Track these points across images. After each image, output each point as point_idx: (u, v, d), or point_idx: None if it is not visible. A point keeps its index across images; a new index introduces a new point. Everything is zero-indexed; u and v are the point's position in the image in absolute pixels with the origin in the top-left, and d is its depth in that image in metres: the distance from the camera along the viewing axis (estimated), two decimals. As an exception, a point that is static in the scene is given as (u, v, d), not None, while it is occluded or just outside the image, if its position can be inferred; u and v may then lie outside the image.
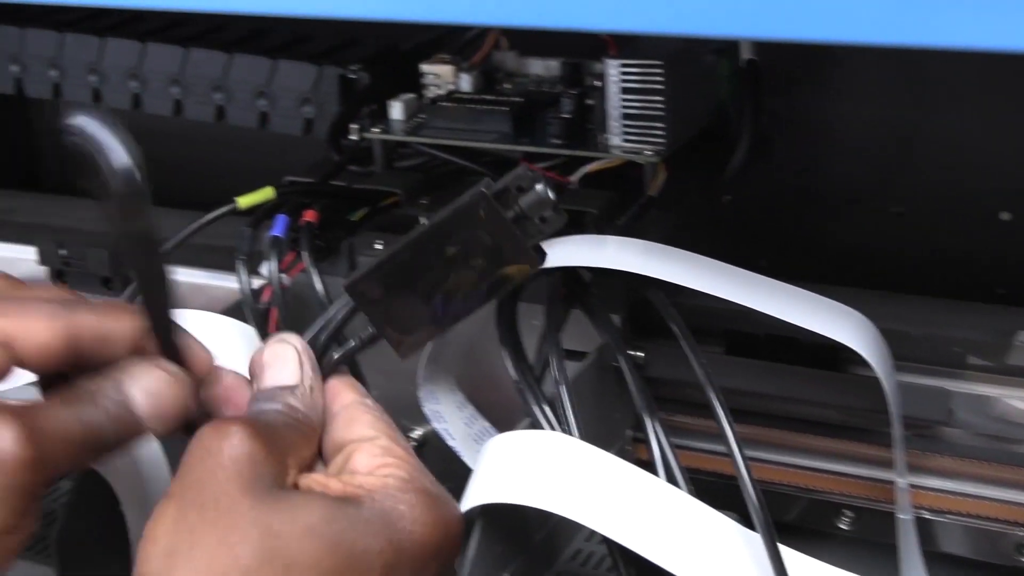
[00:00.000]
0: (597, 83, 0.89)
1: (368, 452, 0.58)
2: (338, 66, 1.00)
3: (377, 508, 0.55)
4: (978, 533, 0.78)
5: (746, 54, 0.92)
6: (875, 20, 0.51)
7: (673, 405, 0.82)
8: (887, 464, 0.75)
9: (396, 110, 0.94)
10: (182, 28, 1.08)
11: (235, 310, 0.80)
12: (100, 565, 0.73)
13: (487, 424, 0.73)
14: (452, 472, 0.69)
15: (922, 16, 0.50)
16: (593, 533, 0.62)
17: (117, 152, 0.54)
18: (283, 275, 0.81)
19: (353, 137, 0.96)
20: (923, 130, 0.98)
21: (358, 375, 0.77)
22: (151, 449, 0.68)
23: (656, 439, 0.65)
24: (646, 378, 0.78)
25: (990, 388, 0.80)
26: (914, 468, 0.77)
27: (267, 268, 0.81)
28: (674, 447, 0.65)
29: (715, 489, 0.68)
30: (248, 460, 0.54)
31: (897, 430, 0.72)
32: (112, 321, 0.59)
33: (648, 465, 0.64)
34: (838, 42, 0.53)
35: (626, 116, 0.86)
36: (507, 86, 0.97)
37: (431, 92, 0.96)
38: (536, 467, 0.62)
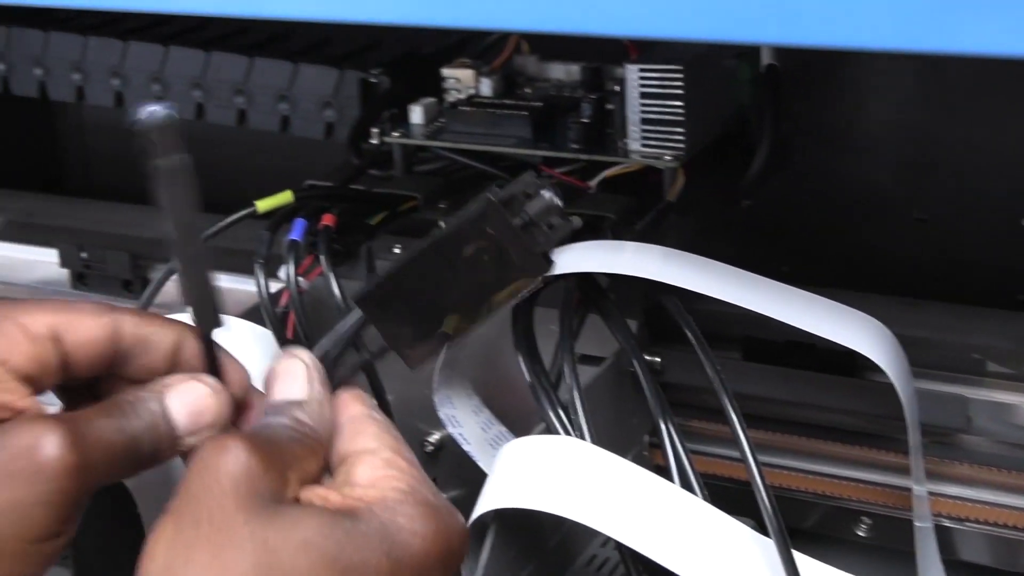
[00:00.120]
0: (617, 88, 0.89)
1: (370, 464, 0.58)
2: (359, 70, 1.00)
3: (376, 521, 0.55)
4: (997, 541, 0.77)
5: (767, 59, 0.92)
6: (896, 26, 0.51)
7: (690, 410, 0.82)
8: (905, 471, 0.75)
9: (416, 114, 0.94)
10: (203, 31, 1.08)
11: (253, 313, 0.80)
12: (117, 572, 0.73)
13: (503, 429, 0.73)
14: (468, 477, 0.69)
15: (944, 22, 0.50)
16: (608, 538, 0.62)
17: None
18: (301, 279, 0.81)
19: (373, 141, 0.96)
20: (944, 136, 0.98)
21: (374, 381, 0.77)
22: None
23: (671, 444, 0.65)
24: (663, 383, 0.78)
25: (1010, 395, 0.80)
26: (933, 475, 0.77)
27: (284, 272, 0.81)
28: (689, 452, 0.65)
29: (734, 495, 0.68)
30: (245, 475, 0.54)
31: (914, 437, 0.72)
32: (154, 327, 0.60)
33: (664, 470, 0.64)
34: (859, 48, 0.53)
35: (645, 121, 0.86)
36: (527, 90, 0.97)
37: (452, 96, 0.96)
38: (549, 472, 0.62)
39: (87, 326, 0.59)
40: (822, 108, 1.00)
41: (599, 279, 0.72)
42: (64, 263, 1.06)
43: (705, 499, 0.63)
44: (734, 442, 0.64)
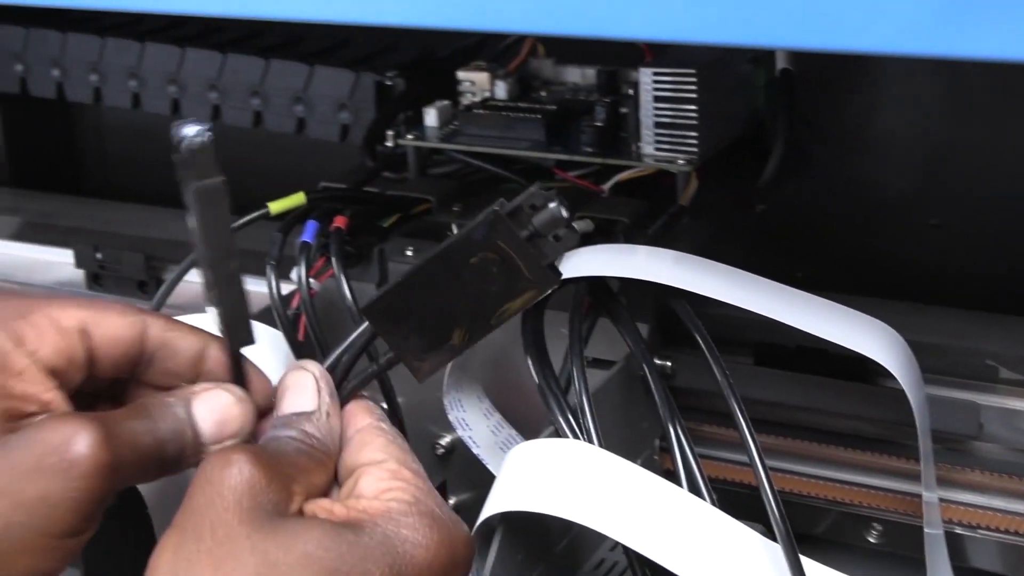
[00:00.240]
0: (631, 92, 0.89)
1: (375, 476, 0.58)
2: (375, 72, 1.00)
3: (379, 533, 0.55)
4: (1008, 548, 0.77)
5: (781, 63, 0.92)
6: (912, 30, 0.51)
7: (701, 415, 0.82)
8: (917, 477, 0.74)
9: (430, 117, 0.94)
10: (220, 34, 1.09)
11: (265, 315, 0.80)
12: (126, 573, 0.73)
13: (513, 432, 0.73)
14: (479, 480, 0.69)
15: (959, 27, 0.50)
16: (617, 543, 0.62)
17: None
18: (313, 281, 0.81)
19: (388, 144, 0.96)
20: (959, 141, 0.97)
21: (386, 388, 0.77)
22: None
23: (679, 448, 0.65)
24: (675, 387, 0.78)
25: (1022, 402, 0.79)
26: (944, 482, 0.77)
27: (296, 274, 0.81)
28: (698, 457, 0.65)
29: (746, 500, 0.68)
30: (248, 489, 0.54)
31: (924, 444, 0.71)
32: (179, 332, 0.61)
33: (673, 475, 0.64)
34: (874, 52, 0.53)
35: (658, 125, 0.86)
36: (542, 94, 0.97)
37: (467, 99, 0.96)
38: (555, 475, 0.62)
39: (115, 324, 0.60)
40: (837, 113, 0.99)
41: (610, 283, 0.72)
42: (79, 264, 1.07)
43: (713, 503, 0.63)
44: (742, 446, 0.63)
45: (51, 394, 0.57)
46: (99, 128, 1.34)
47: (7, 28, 1.14)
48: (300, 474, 0.57)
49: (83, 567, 0.72)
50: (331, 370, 0.63)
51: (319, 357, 0.64)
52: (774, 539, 0.61)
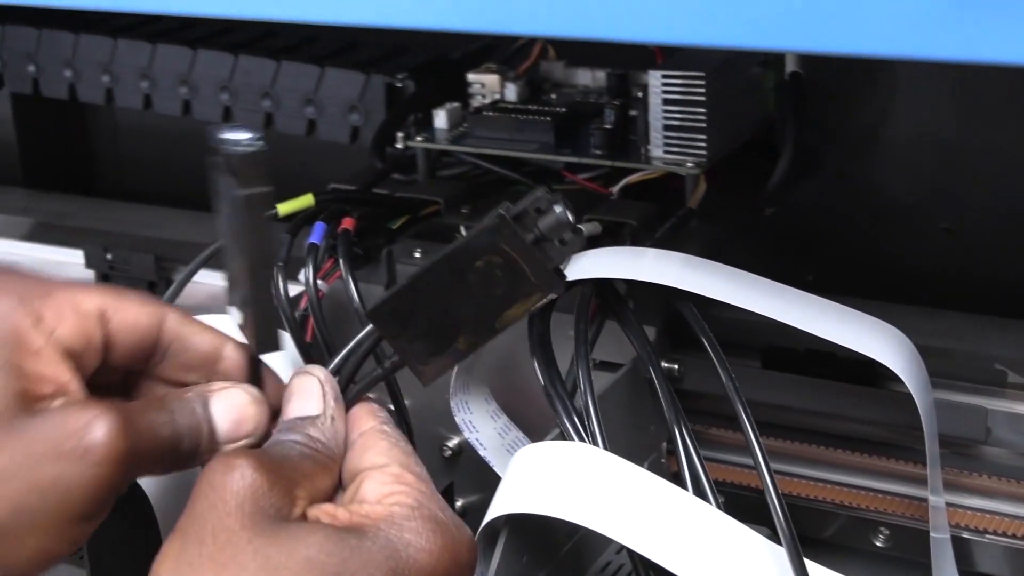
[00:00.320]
0: (640, 94, 0.89)
1: (378, 480, 0.58)
2: (385, 74, 1.00)
3: (381, 537, 0.55)
4: (1015, 553, 0.77)
5: (791, 67, 0.92)
6: (922, 34, 0.51)
7: (709, 418, 0.82)
8: (924, 482, 0.74)
9: (440, 119, 0.94)
10: (232, 35, 1.09)
11: (273, 316, 0.80)
12: (131, 573, 0.73)
13: (520, 434, 0.73)
14: (486, 482, 0.69)
15: (970, 31, 0.50)
16: (622, 546, 0.62)
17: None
18: (320, 282, 0.81)
19: (398, 146, 0.96)
20: (970, 145, 0.97)
21: (394, 390, 0.77)
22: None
23: (684, 451, 0.65)
24: (682, 390, 0.78)
25: (1030, 408, 0.79)
26: (951, 486, 0.77)
27: (304, 275, 0.81)
28: (703, 460, 0.65)
29: (753, 503, 0.68)
30: (250, 493, 0.54)
31: (931, 448, 0.71)
32: (195, 328, 0.62)
33: (679, 478, 0.64)
34: (885, 56, 0.53)
35: (667, 127, 0.86)
36: (552, 96, 0.97)
37: (477, 101, 0.96)
38: (560, 477, 0.62)
39: (134, 312, 0.60)
40: (847, 116, 0.99)
41: (617, 285, 0.72)
42: (89, 264, 1.07)
43: (719, 506, 0.63)
44: (748, 449, 0.63)
45: (67, 376, 0.58)
46: (111, 129, 1.35)
47: (20, 29, 1.14)
48: (304, 478, 0.57)
49: (89, 568, 0.73)
50: (336, 373, 0.63)
51: (326, 359, 0.64)
52: (779, 543, 0.61)
